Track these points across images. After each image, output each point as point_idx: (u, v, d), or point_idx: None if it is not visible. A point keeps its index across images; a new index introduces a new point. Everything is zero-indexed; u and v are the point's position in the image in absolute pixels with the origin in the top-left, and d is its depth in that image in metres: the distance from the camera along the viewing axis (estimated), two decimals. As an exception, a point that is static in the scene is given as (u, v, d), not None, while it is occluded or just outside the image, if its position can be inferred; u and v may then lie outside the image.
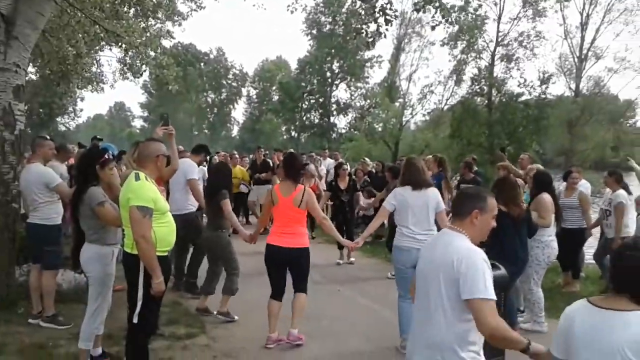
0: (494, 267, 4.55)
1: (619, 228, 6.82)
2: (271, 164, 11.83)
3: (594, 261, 7.81)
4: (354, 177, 10.16)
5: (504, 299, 4.53)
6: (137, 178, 3.69)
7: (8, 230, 5.68)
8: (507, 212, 5.06)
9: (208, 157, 8.44)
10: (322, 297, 6.67)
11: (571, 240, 7.01)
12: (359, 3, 8.93)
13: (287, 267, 5.18)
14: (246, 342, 5.30)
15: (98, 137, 9.68)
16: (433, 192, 5.20)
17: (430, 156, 9.30)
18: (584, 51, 32.58)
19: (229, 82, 62.76)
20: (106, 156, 4.33)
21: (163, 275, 3.70)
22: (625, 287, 2.08)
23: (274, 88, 56.66)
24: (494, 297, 2.37)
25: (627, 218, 6.91)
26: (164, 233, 3.78)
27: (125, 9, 13.87)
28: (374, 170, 11.89)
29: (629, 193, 7.15)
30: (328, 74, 47.59)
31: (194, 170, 6.82)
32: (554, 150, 34.63)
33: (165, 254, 3.87)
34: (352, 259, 9.09)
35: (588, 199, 7.53)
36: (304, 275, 5.20)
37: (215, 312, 5.95)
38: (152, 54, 14.65)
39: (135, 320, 3.74)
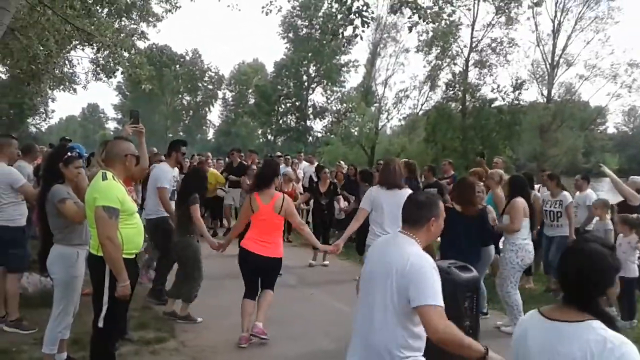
0: (465, 269, 4.61)
1: (572, 229, 7.22)
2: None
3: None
4: (334, 180, 10.21)
5: (476, 300, 4.55)
6: (104, 178, 3.61)
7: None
8: (462, 212, 5.28)
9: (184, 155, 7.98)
10: (296, 302, 6.66)
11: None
12: (335, 5, 8.93)
13: (258, 273, 5.23)
14: (215, 344, 5.25)
15: (67, 137, 9.47)
16: (407, 193, 5.19)
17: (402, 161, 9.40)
18: (556, 58, 33.22)
19: (205, 84, 62.29)
20: (69, 153, 4.21)
21: (130, 279, 3.62)
22: (571, 295, 1.97)
23: (250, 91, 56.39)
24: (442, 304, 2.38)
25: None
26: (131, 235, 3.70)
27: (98, 8, 13.68)
28: (346, 174, 11.87)
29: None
30: (304, 77, 47.66)
31: (164, 178, 6.48)
32: (526, 155, 35.20)
33: (132, 256, 3.78)
34: (326, 262, 9.06)
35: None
36: (274, 280, 5.34)
37: (171, 314, 5.90)
38: (126, 54, 14.46)
39: (100, 325, 3.66)
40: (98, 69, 26.18)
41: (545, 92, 34.01)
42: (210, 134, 67.15)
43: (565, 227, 7.30)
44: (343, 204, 9.77)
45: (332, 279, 8.34)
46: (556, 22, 32.89)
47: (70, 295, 4.17)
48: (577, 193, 7.95)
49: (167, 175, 6.54)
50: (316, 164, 13.07)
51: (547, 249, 7.56)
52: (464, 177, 5.87)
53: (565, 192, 7.50)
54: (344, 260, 9.66)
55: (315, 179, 9.37)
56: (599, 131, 46.94)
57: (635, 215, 6.58)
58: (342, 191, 10.39)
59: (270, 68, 53.05)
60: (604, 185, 8.87)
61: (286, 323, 5.80)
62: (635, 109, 57.70)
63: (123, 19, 21.84)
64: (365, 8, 8.13)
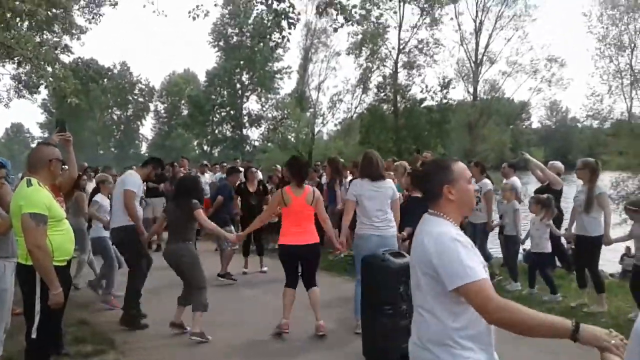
0: (399, 255, 4.79)
1: (490, 214, 7.59)
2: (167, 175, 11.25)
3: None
4: (264, 181, 10.14)
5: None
6: (29, 184, 3.51)
7: None
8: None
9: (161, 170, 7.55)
10: (237, 303, 6.65)
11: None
12: (261, 7, 9.01)
13: (301, 262, 5.52)
14: (157, 354, 5.17)
15: None
16: (389, 182, 5.62)
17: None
18: (479, 56, 34.63)
19: (135, 97, 60.79)
20: (-7, 164, 4.08)
21: (62, 286, 3.54)
22: None
23: (182, 102, 55.52)
24: (482, 276, 1.98)
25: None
26: (61, 241, 3.61)
27: (17, 21, 13.15)
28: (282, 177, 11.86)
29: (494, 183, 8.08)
30: (238, 85, 47.42)
31: (132, 181, 6.13)
32: (457, 152, 36.50)
33: (64, 263, 3.70)
34: (264, 268, 8.79)
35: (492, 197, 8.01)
36: (315, 269, 5.67)
37: (188, 333, 5.49)
38: (49, 69, 13.94)
39: (34, 336, 3.55)
40: (20, 85, 25.12)
41: (471, 90, 35.38)
42: (144, 148, 65.48)
43: (484, 213, 7.58)
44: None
45: (272, 279, 8.34)
46: (478, 21, 34.30)
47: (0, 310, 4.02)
48: (504, 180, 8.32)
49: (135, 179, 6.20)
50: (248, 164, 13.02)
51: (472, 235, 7.88)
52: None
53: (486, 180, 7.77)
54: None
55: (244, 180, 9.17)
56: (524, 126, 49.33)
57: (545, 196, 7.02)
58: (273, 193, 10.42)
59: (202, 77, 52.50)
60: (531, 177, 9.33)
61: (233, 324, 5.80)
62: (557, 103, 60.98)
63: (45, 32, 21.03)
64: (291, 10, 8.25)
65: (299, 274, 5.57)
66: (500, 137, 35.45)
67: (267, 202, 9.37)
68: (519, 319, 1.89)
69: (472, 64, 35.00)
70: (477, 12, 34.27)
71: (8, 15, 11.20)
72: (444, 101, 30.31)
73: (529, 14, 32.92)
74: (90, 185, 8.50)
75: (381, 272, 4.66)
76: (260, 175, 12.61)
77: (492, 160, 32.70)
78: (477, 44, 34.62)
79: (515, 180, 8.18)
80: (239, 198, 9.07)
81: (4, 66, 19.98)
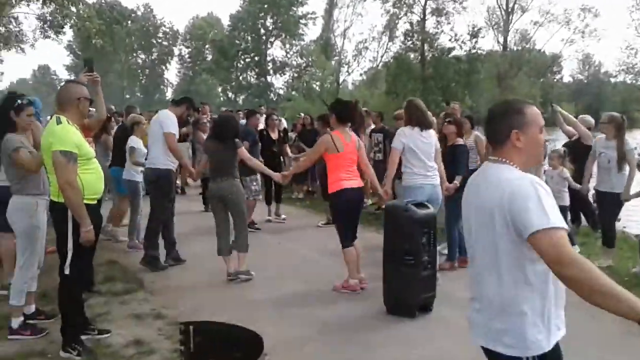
0: (422, 206, 4.75)
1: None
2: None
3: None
4: (286, 128, 10.07)
5: (433, 235, 4.70)
6: (59, 122, 3.52)
7: None
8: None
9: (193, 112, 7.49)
10: (265, 249, 6.77)
11: None
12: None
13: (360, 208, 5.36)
14: (184, 292, 5.31)
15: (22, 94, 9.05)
16: (433, 132, 5.55)
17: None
18: (511, 4, 33.41)
19: (159, 41, 60.33)
20: (19, 101, 4.07)
21: (93, 223, 3.59)
22: None
23: (207, 47, 54.99)
24: (564, 225, 1.77)
25: None
26: (91, 180, 3.64)
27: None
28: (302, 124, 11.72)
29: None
30: (262, 30, 46.75)
31: (170, 122, 6.01)
32: (485, 104, 35.81)
33: (94, 202, 3.74)
34: (283, 216, 8.89)
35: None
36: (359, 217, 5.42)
37: (236, 274, 5.60)
38: (73, 9, 13.83)
39: (66, 272, 3.64)
40: (45, 25, 25.09)
41: (501, 40, 34.37)
42: (169, 94, 65.46)
43: None
44: (292, 154, 9.59)
45: (296, 227, 8.47)
46: (511, -33, 32.99)
47: (32, 246, 4.10)
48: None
49: (173, 120, 6.08)
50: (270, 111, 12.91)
51: None
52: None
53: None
54: (308, 210, 9.79)
55: (265, 127, 9.10)
56: (555, 79, 47.94)
57: (562, 149, 6.96)
58: (297, 141, 10.36)
59: (226, 21, 51.76)
60: (560, 134, 9.12)
61: (257, 269, 5.83)
62: (590, 57, 58.93)
63: (69, -29, 20.80)
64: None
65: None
66: (530, 89, 34.53)
67: (285, 151, 9.31)
68: (594, 280, 1.67)
69: (503, 12, 33.94)
70: (510, -43, 32.89)
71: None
72: (473, 51, 29.51)
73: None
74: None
75: (404, 222, 4.63)
76: (285, 123, 12.54)
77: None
78: (508, -10, 33.40)
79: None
80: (259, 144, 9.04)
81: (28, 5, 19.92)
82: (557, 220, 1.76)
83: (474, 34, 29.53)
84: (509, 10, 33.61)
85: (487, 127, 2.12)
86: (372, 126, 9.61)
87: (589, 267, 1.69)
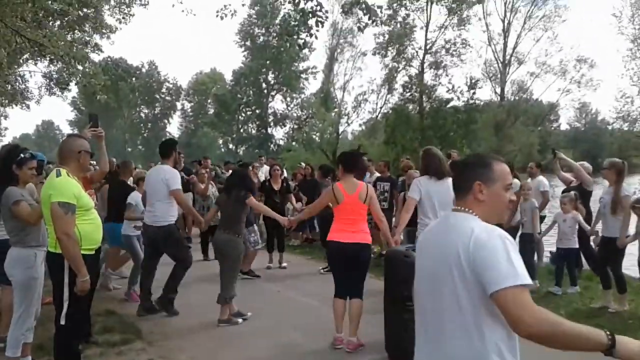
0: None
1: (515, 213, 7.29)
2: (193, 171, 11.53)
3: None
4: (287, 178, 10.19)
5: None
6: (59, 174, 3.61)
7: None
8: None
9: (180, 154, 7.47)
10: (263, 297, 6.79)
11: None
12: (288, 6, 9.06)
13: (350, 264, 5.05)
14: (182, 343, 5.26)
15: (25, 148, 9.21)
16: (450, 181, 5.40)
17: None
18: (507, 57, 34.23)
19: (163, 96, 61.61)
20: (22, 155, 4.19)
21: (89, 274, 3.62)
22: None
23: (209, 101, 56.10)
24: (528, 281, 1.72)
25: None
26: (89, 230, 3.70)
27: (50, 20, 13.46)
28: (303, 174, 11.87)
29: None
30: (264, 85, 47.78)
31: (176, 179, 6.12)
32: (483, 153, 36.19)
33: (92, 252, 3.79)
34: (284, 264, 8.90)
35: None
36: (364, 274, 5.15)
37: (218, 322, 5.75)
38: (80, 67, 14.24)
39: (62, 322, 3.65)
40: (51, 82, 25.72)
41: (498, 90, 35.01)
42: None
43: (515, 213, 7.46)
44: (297, 204, 9.71)
45: (296, 274, 8.42)
46: (506, 22, 34.07)
47: (30, 297, 4.13)
48: (529, 179, 8.26)
49: (177, 176, 6.20)
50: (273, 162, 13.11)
51: None
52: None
53: (514, 179, 7.72)
54: (307, 258, 9.78)
55: (268, 177, 9.28)
56: (552, 128, 48.49)
57: (573, 193, 7.08)
58: (296, 191, 10.39)
59: (228, 77, 52.98)
60: (557, 181, 9.24)
61: (255, 318, 5.84)
62: (586, 105, 59.79)
63: (76, 31, 21.50)
64: (318, 8, 8.28)
65: (348, 283, 5.09)
66: (528, 138, 34.99)
67: (290, 200, 9.45)
68: (559, 332, 1.65)
69: (500, 65, 34.66)
70: (505, 12, 34.05)
71: (40, 14, 11.47)
72: (471, 101, 30.02)
73: (559, 15, 32.54)
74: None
75: (404, 267, 4.64)
76: (285, 173, 12.72)
77: (520, 162, 32.34)
78: (505, 44, 34.39)
79: (541, 179, 8.12)
80: (262, 195, 9.16)
81: (35, 64, 20.51)
82: (525, 277, 1.71)
83: (472, 85, 30.12)
84: (506, 62, 34.41)
85: (454, 176, 2.14)
86: (376, 174, 9.73)
87: (555, 321, 1.67)
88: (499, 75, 34.90)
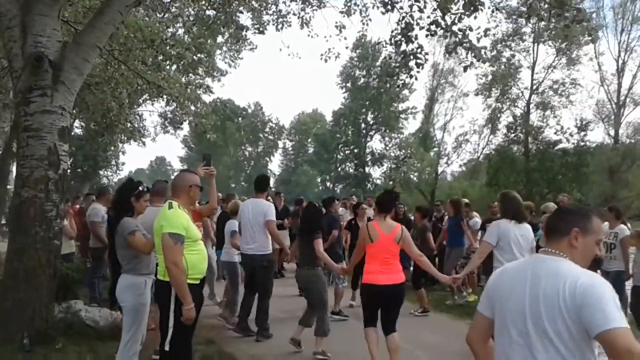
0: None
1: (627, 261, 7.01)
2: (290, 210, 12.04)
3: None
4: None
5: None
6: (170, 207, 3.82)
7: (49, 266, 5.81)
8: None
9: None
10: (352, 336, 6.60)
11: None
12: (389, 49, 9.16)
13: (384, 304, 5.12)
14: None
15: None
16: (529, 226, 5.39)
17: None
18: (622, 98, 32.18)
19: (266, 135, 64.11)
20: (140, 188, 4.49)
21: (194, 302, 3.76)
22: None
23: (309, 140, 57.58)
24: (628, 326, 1.92)
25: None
26: (196, 260, 3.85)
27: (168, 64, 14.56)
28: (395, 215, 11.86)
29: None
30: (363, 125, 48.28)
31: (272, 211, 6.67)
32: (595, 198, 33.82)
33: (197, 281, 3.93)
34: (353, 302, 8.63)
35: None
36: (397, 312, 5.20)
37: (313, 353, 5.87)
38: (193, 107, 15.22)
39: (167, 348, 3.78)
40: (166, 122, 27.70)
41: (612, 133, 32.89)
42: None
43: (619, 260, 7.04)
44: None
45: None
46: (620, 62, 32.11)
47: (138, 322, 4.35)
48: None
49: (273, 209, 6.75)
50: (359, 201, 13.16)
51: None
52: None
53: (622, 225, 7.27)
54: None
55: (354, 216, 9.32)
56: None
57: None
58: None
59: (329, 117, 54.18)
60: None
61: (345, 358, 5.76)
62: None
63: (190, 74, 23.13)
64: (419, 50, 8.30)
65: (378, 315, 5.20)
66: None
67: None
68: None
69: (614, 106, 32.61)
70: (619, 52, 32.13)
71: (159, 58, 12.42)
72: (582, 143, 28.41)
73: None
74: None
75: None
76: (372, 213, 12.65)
77: (636, 208, 29.86)
78: (619, 84, 32.38)
79: (623, 227, 7.48)
80: (349, 234, 9.28)
81: (152, 104, 22.24)
82: (625, 321, 1.91)
83: (582, 127, 28.58)
84: (620, 103, 32.38)
85: (552, 218, 2.30)
86: (475, 218, 9.65)
87: None
88: (612, 117, 32.82)
